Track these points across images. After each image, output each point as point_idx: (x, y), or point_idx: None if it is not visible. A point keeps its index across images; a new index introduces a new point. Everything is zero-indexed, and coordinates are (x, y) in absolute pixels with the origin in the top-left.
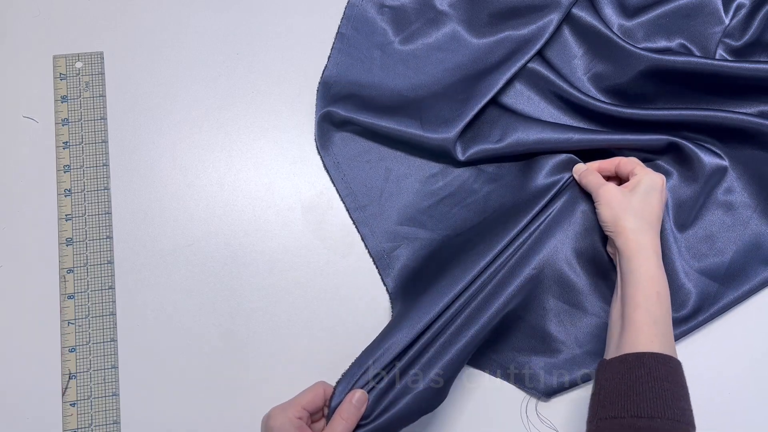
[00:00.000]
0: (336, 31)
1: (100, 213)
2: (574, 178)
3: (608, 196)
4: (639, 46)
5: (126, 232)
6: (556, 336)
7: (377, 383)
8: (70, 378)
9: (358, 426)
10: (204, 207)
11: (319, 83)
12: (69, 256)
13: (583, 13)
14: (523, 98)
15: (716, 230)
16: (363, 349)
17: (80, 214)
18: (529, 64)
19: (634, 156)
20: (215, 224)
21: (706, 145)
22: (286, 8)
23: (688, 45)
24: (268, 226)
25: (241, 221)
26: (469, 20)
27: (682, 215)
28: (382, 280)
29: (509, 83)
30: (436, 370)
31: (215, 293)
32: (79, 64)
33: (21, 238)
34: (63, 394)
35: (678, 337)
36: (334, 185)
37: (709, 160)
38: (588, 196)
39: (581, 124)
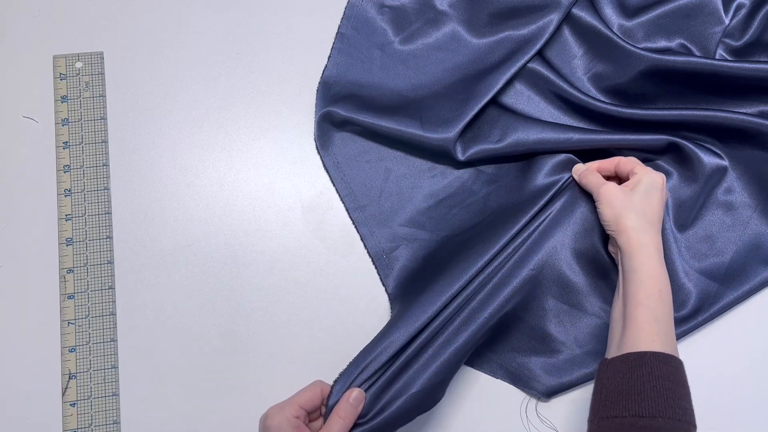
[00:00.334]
0: (336, 31)
1: (100, 213)
2: (573, 179)
3: (609, 195)
4: (639, 46)
5: (126, 232)
6: (555, 336)
7: (374, 382)
8: (70, 378)
9: (356, 425)
10: (204, 207)
11: (319, 83)
12: (69, 256)
13: (583, 13)
14: (523, 98)
15: (716, 230)
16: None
17: (80, 214)
18: (529, 64)
19: (633, 156)
20: (215, 224)
21: (706, 145)
22: (286, 8)
23: (688, 45)
24: (268, 226)
25: (241, 221)
26: (469, 20)
27: (682, 215)
28: (381, 280)
29: (509, 83)
30: (433, 369)
31: (215, 293)
32: (79, 64)
33: (21, 238)
34: (63, 394)
35: (678, 337)
36: (334, 185)
37: (709, 160)
38: (587, 197)
39: (581, 124)
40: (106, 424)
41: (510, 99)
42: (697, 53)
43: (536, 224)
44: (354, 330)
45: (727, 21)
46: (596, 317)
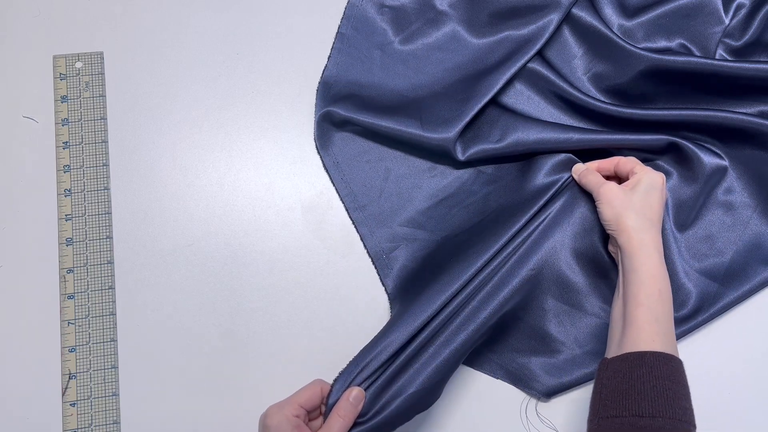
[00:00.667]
0: (336, 31)
1: (100, 213)
2: (573, 178)
3: (610, 195)
4: (639, 46)
5: (126, 232)
6: (555, 336)
7: (374, 381)
8: (70, 378)
9: (356, 424)
10: (204, 207)
11: (319, 83)
12: (69, 256)
13: (583, 13)
14: (523, 98)
15: (716, 230)
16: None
17: (80, 214)
18: (529, 64)
19: (633, 156)
20: (215, 224)
21: (706, 145)
22: (286, 8)
23: (688, 45)
24: (268, 226)
25: (241, 221)
26: (469, 20)
27: (682, 215)
28: (381, 280)
29: (509, 83)
30: (432, 369)
31: (215, 293)
32: (79, 64)
33: (21, 238)
34: (63, 394)
35: (678, 337)
36: (334, 185)
37: (709, 160)
38: (587, 196)
39: (581, 124)
40: (106, 424)
41: (510, 99)
42: (697, 53)
43: (536, 224)
44: (354, 330)
45: (727, 21)
46: (596, 317)
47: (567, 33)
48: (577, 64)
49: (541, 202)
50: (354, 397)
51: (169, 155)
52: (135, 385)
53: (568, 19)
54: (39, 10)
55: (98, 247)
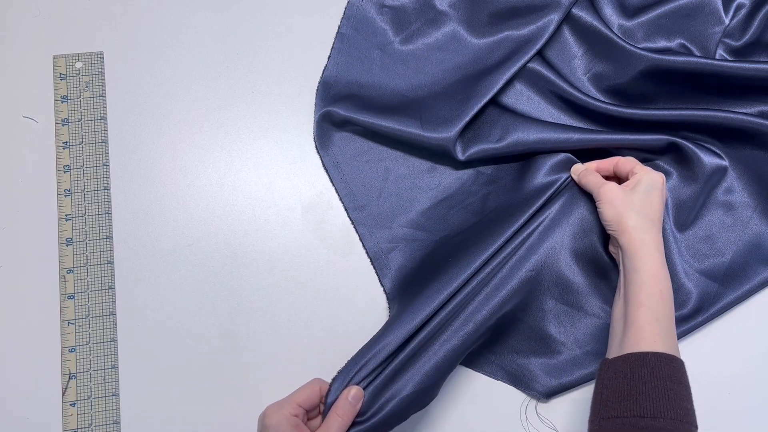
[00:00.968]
0: (336, 31)
1: (100, 213)
2: (572, 179)
3: (610, 195)
4: (639, 46)
5: (126, 232)
6: (555, 337)
7: (372, 381)
8: (70, 378)
9: (354, 423)
10: (204, 207)
11: (319, 83)
12: (69, 256)
13: (583, 13)
14: (523, 98)
15: (716, 230)
16: None
17: (80, 214)
18: (529, 64)
19: (633, 156)
20: (215, 224)
21: (706, 145)
22: (286, 8)
23: (688, 45)
24: (268, 226)
25: (241, 221)
26: (469, 20)
27: (682, 215)
28: (380, 280)
29: (509, 83)
30: (431, 368)
31: (215, 293)
32: (79, 64)
33: (21, 238)
34: (63, 394)
35: (678, 337)
36: (333, 185)
37: (709, 160)
38: (586, 197)
39: (581, 124)
40: (106, 424)
41: (510, 99)
42: (697, 53)
43: (535, 224)
44: (354, 330)
45: (727, 21)
46: (596, 317)
47: (567, 33)
48: (577, 64)
49: (540, 202)
50: (353, 396)
51: (169, 155)
52: (135, 385)
53: (568, 19)
54: (39, 10)
55: (98, 247)
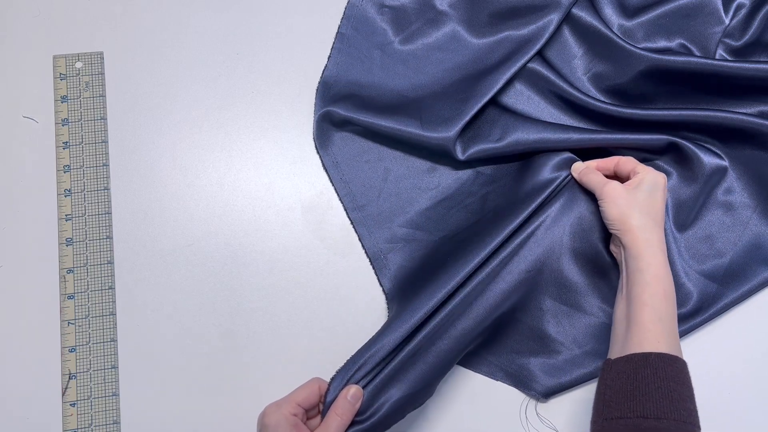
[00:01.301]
0: (336, 31)
1: (100, 213)
2: (572, 178)
3: (614, 194)
4: (639, 46)
5: (126, 232)
6: (554, 337)
7: (372, 380)
8: (70, 378)
9: (354, 422)
10: (204, 207)
11: (319, 83)
12: (69, 256)
13: (583, 13)
14: (523, 98)
15: (716, 230)
16: None
17: (80, 214)
18: (529, 64)
19: (633, 156)
20: (215, 224)
21: (706, 145)
22: (286, 8)
23: (688, 45)
24: (268, 226)
25: (241, 221)
26: (469, 20)
27: (682, 215)
28: (379, 280)
29: (509, 83)
30: (429, 368)
31: (215, 293)
32: (79, 64)
33: (21, 238)
34: (63, 394)
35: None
36: (333, 185)
37: (709, 160)
38: (586, 196)
39: (581, 124)
40: (106, 424)
41: (510, 99)
42: (697, 53)
43: (535, 224)
44: (354, 330)
45: (727, 21)
46: (595, 317)
47: (567, 33)
48: (577, 64)
49: (540, 201)
50: (352, 395)
51: (169, 155)
52: (135, 385)
53: (568, 19)
54: (39, 10)
55: (98, 247)
